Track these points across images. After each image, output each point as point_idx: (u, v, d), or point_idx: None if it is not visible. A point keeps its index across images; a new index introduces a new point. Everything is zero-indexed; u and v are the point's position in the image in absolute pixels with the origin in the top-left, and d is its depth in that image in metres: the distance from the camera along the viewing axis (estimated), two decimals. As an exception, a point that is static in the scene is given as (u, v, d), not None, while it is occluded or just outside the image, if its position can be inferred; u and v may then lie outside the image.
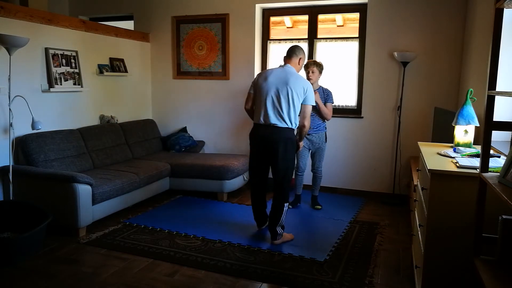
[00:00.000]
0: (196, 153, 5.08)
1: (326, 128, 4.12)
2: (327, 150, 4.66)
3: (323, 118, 4.03)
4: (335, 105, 4.82)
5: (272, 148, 3.20)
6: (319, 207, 4.20)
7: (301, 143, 3.48)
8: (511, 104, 2.84)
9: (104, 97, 4.75)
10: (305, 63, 3.47)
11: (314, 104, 3.31)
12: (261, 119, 3.22)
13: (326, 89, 4.08)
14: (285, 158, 3.20)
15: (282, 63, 3.33)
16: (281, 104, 3.16)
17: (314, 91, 3.94)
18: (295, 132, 3.35)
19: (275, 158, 3.20)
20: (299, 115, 3.27)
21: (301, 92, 3.17)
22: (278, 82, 3.19)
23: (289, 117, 3.17)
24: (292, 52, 3.29)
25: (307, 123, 3.25)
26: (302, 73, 3.92)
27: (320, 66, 4.00)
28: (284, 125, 3.17)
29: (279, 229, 3.28)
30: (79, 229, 3.38)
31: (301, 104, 3.21)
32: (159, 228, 3.58)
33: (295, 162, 3.40)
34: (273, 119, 3.18)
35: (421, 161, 2.64)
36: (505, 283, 1.61)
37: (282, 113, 3.16)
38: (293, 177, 4.13)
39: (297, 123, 3.28)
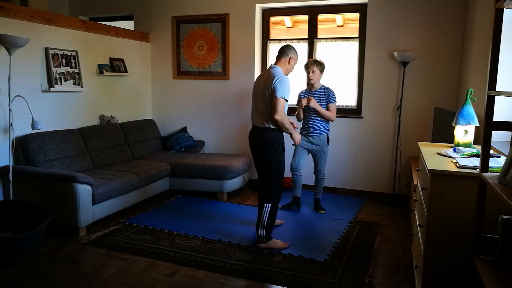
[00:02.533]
0: (196, 153, 5.08)
1: (329, 130, 3.97)
2: (327, 150, 4.69)
3: (326, 119, 3.91)
4: (335, 105, 4.84)
5: (253, 148, 3.23)
6: (323, 211, 4.06)
7: (296, 136, 3.28)
8: (511, 104, 2.84)
9: (104, 97, 4.75)
10: (297, 62, 3.28)
11: (283, 97, 2.99)
12: (251, 121, 3.29)
13: (328, 89, 3.93)
14: (265, 158, 3.15)
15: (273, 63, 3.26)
16: (259, 105, 3.14)
17: (309, 96, 3.85)
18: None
19: (255, 158, 3.23)
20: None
21: (269, 87, 3.04)
22: (258, 84, 3.20)
23: (267, 117, 3.09)
24: (282, 52, 3.21)
25: (277, 116, 2.99)
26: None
27: (321, 65, 3.88)
28: (263, 125, 3.13)
29: (260, 231, 3.19)
30: (79, 229, 3.38)
31: (273, 96, 3.02)
32: (159, 228, 3.58)
33: (281, 163, 3.20)
34: (254, 120, 3.21)
35: (421, 161, 2.64)
36: (505, 283, 1.61)
37: (260, 114, 3.14)
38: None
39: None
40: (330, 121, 3.96)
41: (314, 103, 3.81)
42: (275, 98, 3.01)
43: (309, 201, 4.29)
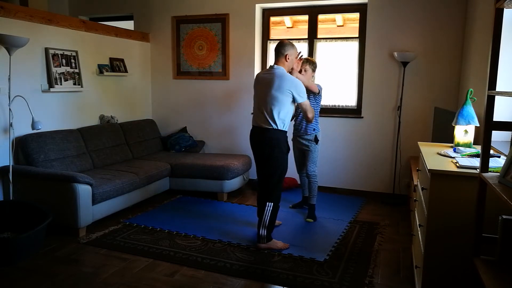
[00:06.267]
0: (196, 153, 5.07)
1: (315, 130, 3.84)
2: (327, 150, 4.69)
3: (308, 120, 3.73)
4: (334, 105, 4.84)
5: (259, 149, 3.24)
6: (311, 220, 3.83)
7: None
8: (511, 104, 2.84)
9: (104, 97, 4.75)
10: (296, 52, 3.33)
11: (306, 100, 3.21)
12: (253, 121, 3.29)
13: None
14: (270, 159, 3.16)
15: (273, 62, 3.29)
16: (265, 106, 3.14)
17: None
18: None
19: (261, 158, 3.23)
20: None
21: (288, 93, 3.11)
22: (263, 85, 3.19)
23: (274, 118, 3.12)
24: (278, 52, 3.24)
25: (310, 115, 3.29)
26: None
27: (313, 64, 3.84)
28: (269, 127, 3.14)
29: (262, 231, 3.19)
30: (79, 229, 3.38)
31: (298, 104, 3.23)
32: (159, 228, 3.58)
33: (286, 165, 3.26)
34: (258, 121, 3.21)
35: (421, 161, 2.64)
36: (505, 283, 1.61)
37: (267, 115, 3.13)
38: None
39: (286, 124, 3.20)
40: (308, 122, 3.76)
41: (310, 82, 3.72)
42: (301, 104, 3.21)
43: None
